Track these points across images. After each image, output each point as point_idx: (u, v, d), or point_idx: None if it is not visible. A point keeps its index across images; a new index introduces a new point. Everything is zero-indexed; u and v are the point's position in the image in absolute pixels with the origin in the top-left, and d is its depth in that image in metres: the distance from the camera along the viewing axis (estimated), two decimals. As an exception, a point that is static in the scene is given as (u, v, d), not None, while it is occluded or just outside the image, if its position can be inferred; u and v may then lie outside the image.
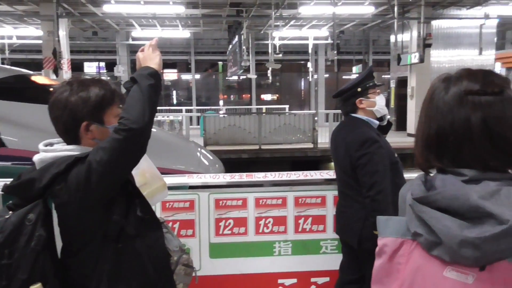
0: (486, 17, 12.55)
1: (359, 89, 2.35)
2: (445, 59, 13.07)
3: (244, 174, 2.80)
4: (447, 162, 0.93)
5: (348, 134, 2.35)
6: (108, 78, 18.82)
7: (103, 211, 1.36)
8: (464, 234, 0.80)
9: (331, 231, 2.76)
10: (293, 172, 2.85)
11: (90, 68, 19.82)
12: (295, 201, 2.75)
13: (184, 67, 20.33)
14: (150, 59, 1.51)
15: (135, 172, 1.60)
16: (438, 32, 12.82)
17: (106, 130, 1.43)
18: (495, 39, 13.47)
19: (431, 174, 1.00)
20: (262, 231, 2.75)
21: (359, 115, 2.37)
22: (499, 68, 15.71)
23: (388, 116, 2.52)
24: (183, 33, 15.99)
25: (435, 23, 12.76)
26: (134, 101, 1.38)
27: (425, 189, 0.94)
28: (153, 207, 1.57)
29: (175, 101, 20.78)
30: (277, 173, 2.81)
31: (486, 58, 13.00)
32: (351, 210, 2.35)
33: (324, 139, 11.31)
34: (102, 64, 19.85)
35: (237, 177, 2.77)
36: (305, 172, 2.81)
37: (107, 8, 11.62)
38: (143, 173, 1.86)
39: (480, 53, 12.91)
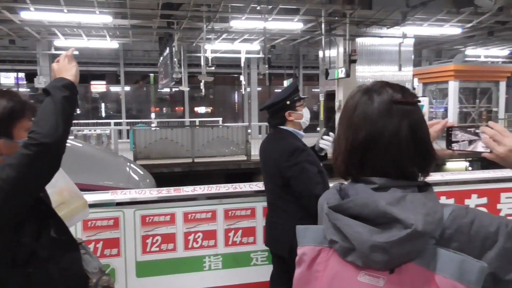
0: (404, 36, 13.54)
1: (288, 102, 2.42)
2: (369, 74, 13.86)
3: (172, 188, 2.74)
4: (366, 170, 0.96)
5: (277, 145, 2.41)
6: (28, 89, 17.64)
7: (11, 233, 1.25)
8: (374, 239, 0.84)
9: (261, 242, 2.77)
10: (222, 185, 2.84)
11: (7, 79, 18.39)
12: (225, 214, 2.73)
13: (113, 78, 19.58)
14: (66, 70, 1.44)
15: (51, 191, 1.50)
16: (362, 49, 13.58)
17: (15, 144, 1.32)
18: (412, 56, 14.55)
19: (345, 183, 1.04)
20: (191, 246, 2.69)
21: (287, 127, 2.44)
22: (416, 83, 17.02)
23: (324, 153, 2.58)
24: (111, 44, 15.44)
25: (359, 40, 13.52)
26: (46, 114, 1.29)
27: (340, 198, 0.98)
28: (73, 227, 1.47)
29: (103, 114, 19.92)
30: (206, 186, 2.78)
31: (405, 74, 13.98)
32: (281, 220, 2.38)
33: (257, 151, 11.29)
34: (22, 74, 18.51)
35: (164, 192, 2.70)
36: (234, 184, 2.81)
37: (25, 15, 10.89)
38: (61, 192, 1.75)
39: (400, 69, 13.85)
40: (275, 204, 2.46)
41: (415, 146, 0.94)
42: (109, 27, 13.10)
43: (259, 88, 20.07)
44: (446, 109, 15.65)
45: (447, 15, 12.70)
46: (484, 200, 3.18)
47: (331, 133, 2.53)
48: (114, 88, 19.97)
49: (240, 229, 2.76)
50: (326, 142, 2.53)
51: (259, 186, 2.78)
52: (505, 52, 20.41)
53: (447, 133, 1.14)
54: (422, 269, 0.85)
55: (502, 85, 15.62)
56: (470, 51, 18.29)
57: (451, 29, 13.68)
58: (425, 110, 15.19)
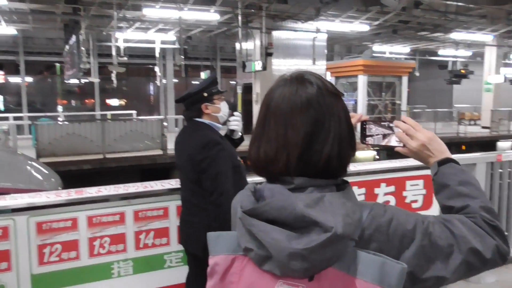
0: (318, 31, 14.03)
1: (205, 94, 2.31)
2: (284, 67, 14.15)
3: (73, 190, 2.45)
4: (281, 169, 0.88)
5: (190, 138, 2.29)
6: None
7: None
8: (292, 247, 0.78)
9: (175, 243, 2.62)
10: (131, 185, 2.61)
11: None
12: (135, 216, 2.52)
13: (12, 68, 17.78)
14: None
15: None
16: (278, 42, 13.82)
17: None
18: (325, 51, 15.15)
19: (261, 183, 0.95)
20: (97, 252, 2.44)
21: (203, 119, 2.31)
22: (329, 77, 17.80)
23: (240, 133, 2.52)
24: (7, 30, 13.94)
25: (275, 33, 13.73)
26: None
27: (255, 200, 0.89)
28: None
29: (1, 108, 18.03)
30: (112, 186, 2.53)
31: (319, 68, 14.51)
32: (197, 218, 2.26)
33: (174, 145, 11.11)
34: None
35: (64, 194, 2.41)
36: (145, 183, 2.60)
37: None
38: None
39: (314, 63, 14.34)
40: (189, 201, 2.33)
41: (339, 141, 0.89)
42: (4, 10, 11.79)
43: (176, 80, 19.59)
44: (356, 102, 16.56)
45: (357, 13, 13.39)
46: (392, 188, 3.33)
47: (235, 113, 2.48)
48: (14, 79, 18.16)
49: (152, 230, 2.56)
50: (235, 123, 2.46)
51: (171, 184, 2.61)
52: (407, 49, 22.18)
53: (361, 127, 1.11)
54: (342, 274, 0.80)
55: (405, 79, 16.94)
56: (377, 47, 19.55)
57: (360, 26, 14.46)
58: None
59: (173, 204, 2.59)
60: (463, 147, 15.61)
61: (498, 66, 17.62)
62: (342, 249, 0.79)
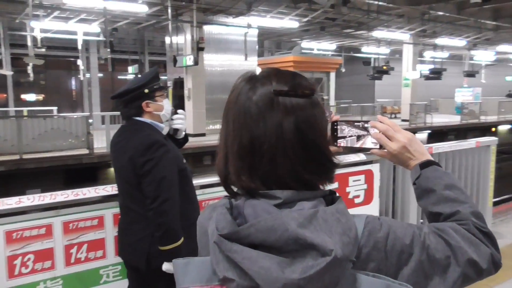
0: (249, 26, 13.98)
1: (146, 91, 2.08)
2: (217, 62, 13.96)
3: (-14, 201, 2.10)
4: (260, 181, 0.77)
5: (131, 139, 2.05)
6: None
7: None
8: (286, 276, 0.66)
9: (112, 255, 2.36)
10: (59, 192, 2.29)
11: None
12: (64, 228, 2.23)
13: None
14: None
15: None
16: (210, 37, 13.56)
17: None
18: (257, 46, 15.16)
19: (237, 200, 0.81)
20: (18, 272, 2.12)
21: (144, 118, 2.09)
22: (260, 73, 17.88)
23: (184, 132, 2.34)
24: None
25: (207, 28, 13.45)
26: None
27: (232, 219, 0.75)
28: None
29: None
30: (36, 195, 2.20)
31: (251, 64, 14.51)
32: (137, 226, 2.05)
33: (101, 144, 10.48)
34: None
35: (-26, 207, 2.05)
36: (75, 190, 2.30)
37: None
38: None
39: (246, 59, 14.30)
40: (129, 208, 2.10)
41: (304, 150, 0.77)
42: None
43: (101, 74, 18.50)
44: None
45: (287, 9, 13.55)
46: (335, 185, 3.33)
47: (179, 110, 2.29)
48: None
49: (85, 243, 2.28)
50: (179, 121, 2.26)
51: (107, 190, 2.34)
52: (333, 46, 23.01)
53: (333, 128, 1.00)
54: None
55: (332, 75, 17.52)
56: (305, 43, 20.02)
57: (289, 22, 14.65)
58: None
59: (110, 213, 2.33)
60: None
61: (415, 63, 18.86)
62: (340, 274, 0.69)
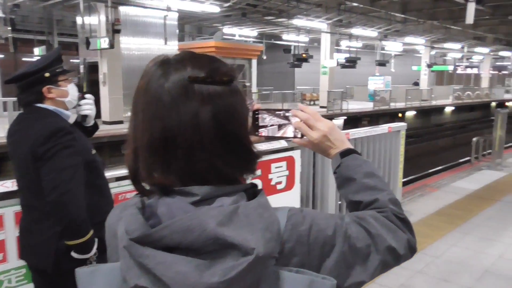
0: (168, 9, 13.49)
1: (47, 75, 1.86)
2: (134, 46, 13.32)
3: None
4: (175, 177, 0.71)
5: (32, 127, 1.83)
6: None
7: None
8: (205, 281, 0.61)
9: (14, 258, 2.12)
10: None
11: None
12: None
13: None
14: None
15: None
16: (126, 19, 12.87)
17: None
18: (177, 31, 14.71)
19: (149, 199, 0.73)
20: None
21: (46, 105, 1.87)
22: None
23: (93, 120, 2.12)
24: None
25: (123, 9, 12.73)
26: None
27: (144, 220, 0.68)
28: None
29: None
30: None
31: (171, 48, 14.05)
32: (41, 225, 1.85)
33: (2, 133, 9.50)
34: None
35: None
36: (-33, 188, 2.02)
37: None
38: None
39: (166, 43, 13.81)
40: (31, 205, 1.89)
41: (224, 142, 0.71)
42: None
43: (1, 56, 16.76)
44: (209, 84, 16.63)
45: (207, -7, 13.28)
46: (258, 172, 3.32)
47: (87, 95, 2.08)
48: None
49: (-19, 246, 2.02)
50: (87, 106, 2.06)
51: (6, 186, 2.09)
52: (255, 33, 23.14)
53: (254, 117, 0.98)
54: None
55: (254, 62, 17.64)
56: (227, 29, 19.88)
57: (210, 7, 14.40)
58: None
59: (10, 211, 2.09)
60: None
61: (332, 52, 19.65)
62: (263, 271, 0.65)
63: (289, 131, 0.98)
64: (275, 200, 3.54)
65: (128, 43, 13.11)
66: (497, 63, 34.41)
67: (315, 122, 0.94)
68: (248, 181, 0.79)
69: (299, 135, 0.96)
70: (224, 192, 0.70)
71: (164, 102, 0.69)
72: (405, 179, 6.75)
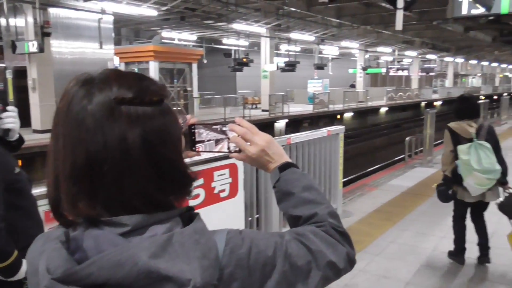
0: (103, 12, 12.98)
1: None
2: (67, 50, 12.66)
3: None
4: (102, 209, 0.65)
5: None
6: None
7: None
8: None
9: None
10: None
11: None
12: None
13: None
14: None
15: None
16: (57, 21, 12.20)
17: None
18: (113, 34, 14.19)
19: (74, 231, 0.68)
20: None
21: None
22: (118, 62, 16.83)
23: (18, 133, 1.93)
24: None
25: (53, 11, 12.06)
26: None
27: (69, 256, 0.63)
28: None
29: None
30: None
31: (107, 52, 13.52)
32: None
33: None
34: None
35: None
36: None
37: None
38: None
39: (101, 47, 13.27)
40: None
41: (155, 167, 0.66)
42: None
43: None
44: (148, 89, 16.16)
45: (145, -5, 12.94)
46: (201, 181, 3.25)
47: (9, 107, 1.89)
48: None
49: None
50: (10, 119, 1.87)
51: None
52: (194, 37, 22.92)
53: (190, 132, 0.96)
54: None
55: (195, 66, 17.42)
56: (166, 33, 19.51)
57: (148, 10, 14.05)
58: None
59: None
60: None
61: (272, 56, 19.94)
62: None
63: (226, 146, 0.96)
64: (218, 209, 3.48)
65: (60, 46, 12.44)
66: (425, 66, 36.73)
67: (252, 137, 0.92)
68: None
69: (237, 150, 0.95)
70: (157, 220, 0.66)
71: (88, 126, 0.63)
72: (345, 179, 6.97)
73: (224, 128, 0.96)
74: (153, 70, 15.81)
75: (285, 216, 0.93)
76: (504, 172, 3.55)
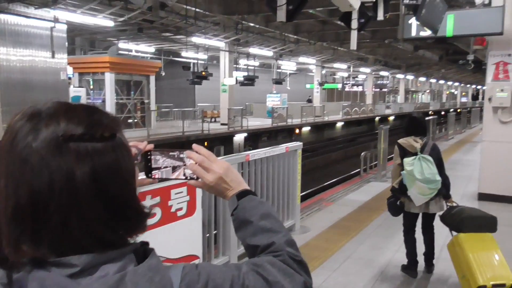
0: (56, 20, 12.54)
1: None
2: (15, 58, 12.07)
3: None
4: (48, 249, 0.61)
5: None
6: None
7: None
8: None
9: None
10: None
11: None
12: None
13: None
14: None
15: None
16: (5, 28, 11.64)
17: None
18: (66, 43, 13.73)
19: (18, 272, 0.62)
20: None
21: None
22: (71, 73, 16.29)
23: None
24: None
25: (1, 17, 11.51)
26: None
27: None
28: None
29: None
30: None
31: (59, 61, 13.02)
32: None
33: None
34: None
35: None
36: None
37: None
38: None
39: (53, 56, 12.78)
40: None
41: (106, 205, 0.64)
42: None
43: None
44: (104, 101, 15.76)
45: (100, 6, 12.66)
46: (157, 199, 3.17)
47: None
48: None
49: None
50: None
51: None
52: (152, 49, 22.62)
53: (146, 159, 0.95)
54: None
55: (152, 78, 17.16)
56: (123, 44, 19.12)
57: (104, 21, 13.73)
58: (83, 101, 14.79)
59: None
60: (206, 143, 17.10)
61: (231, 70, 20.03)
62: None
63: (183, 173, 0.95)
64: (175, 228, 3.38)
65: (8, 54, 11.85)
66: (378, 82, 38.25)
67: (210, 164, 0.92)
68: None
69: (194, 177, 0.94)
70: (109, 259, 0.63)
71: (32, 164, 0.60)
72: (303, 193, 7.05)
73: (181, 155, 0.95)
74: (109, 81, 15.41)
75: (243, 245, 0.93)
76: (447, 187, 3.83)
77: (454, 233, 3.50)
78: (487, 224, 3.34)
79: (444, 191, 3.78)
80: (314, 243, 4.81)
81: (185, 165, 0.94)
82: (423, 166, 3.69)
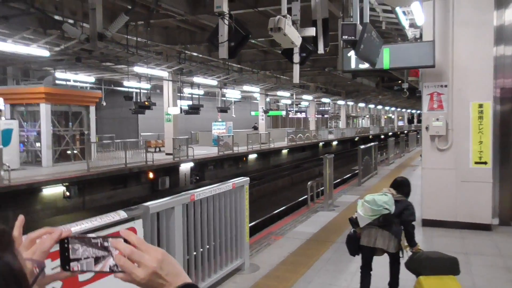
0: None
1: None
2: None
3: None
4: None
5: None
6: None
7: None
8: None
9: None
10: None
11: None
12: None
13: None
14: None
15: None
16: None
17: None
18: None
19: None
20: None
21: None
22: (2, 104, 15.23)
23: None
24: None
25: None
26: None
27: None
28: None
29: None
30: None
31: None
32: None
33: None
34: None
35: None
36: None
37: None
38: None
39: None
40: None
41: None
42: None
43: None
44: (39, 133, 14.83)
45: (35, 35, 12.05)
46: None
47: None
48: None
49: None
50: None
51: None
52: (92, 78, 21.84)
53: (62, 248, 0.82)
54: None
55: (92, 109, 16.47)
56: (60, 74, 18.28)
57: (39, 50, 13.05)
58: (15, 134, 13.79)
59: None
60: (151, 175, 16.52)
61: (175, 99, 19.74)
62: None
63: (109, 265, 0.81)
64: (112, 283, 3.09)
65: None
66: (320, 108, 39.47)
67: (140, 257, 0.79)
68: None
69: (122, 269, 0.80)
70: None
71: None
72: (251, 224, 6.89)
73: (105, 244, 0.81)
74: (44, 113, 14.56)
75: None
76: (411, 235, 3.81)
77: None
78: (449, 266, 3.30)
79: (410, 240, 3.79)
80: (264, 283, 4.64)
81: (111, 254, 0.81)
82: (381, 195, 3.79)
